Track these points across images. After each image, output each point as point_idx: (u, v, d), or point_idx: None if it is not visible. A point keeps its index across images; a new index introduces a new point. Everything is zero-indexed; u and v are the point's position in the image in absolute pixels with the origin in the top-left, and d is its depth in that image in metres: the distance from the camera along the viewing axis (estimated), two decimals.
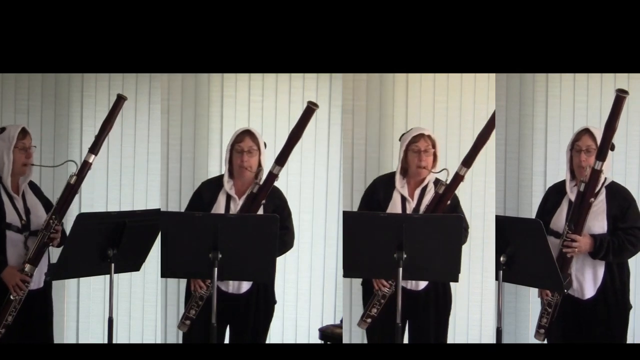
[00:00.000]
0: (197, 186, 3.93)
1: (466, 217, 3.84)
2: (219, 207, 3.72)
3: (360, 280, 3.96)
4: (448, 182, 3.71)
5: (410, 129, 3.90)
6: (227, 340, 3.82)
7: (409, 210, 3.76)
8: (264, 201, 3.69)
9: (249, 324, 3.74)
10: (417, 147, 3.75)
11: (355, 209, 4.51)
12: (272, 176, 3.68)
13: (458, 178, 3.72)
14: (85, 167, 3.65)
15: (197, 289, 3.64)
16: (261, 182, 3.68)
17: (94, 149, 3.67)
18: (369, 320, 3.74)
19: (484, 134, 3.75)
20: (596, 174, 3.44)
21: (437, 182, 3.74)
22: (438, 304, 3.81)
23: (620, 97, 3.32)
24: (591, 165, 3.46)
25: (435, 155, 3.78)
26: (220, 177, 3.81)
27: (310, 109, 3.65)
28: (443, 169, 3.73)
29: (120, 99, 3.69)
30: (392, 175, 3.86)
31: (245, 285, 3.72)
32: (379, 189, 3.85)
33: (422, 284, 3.76)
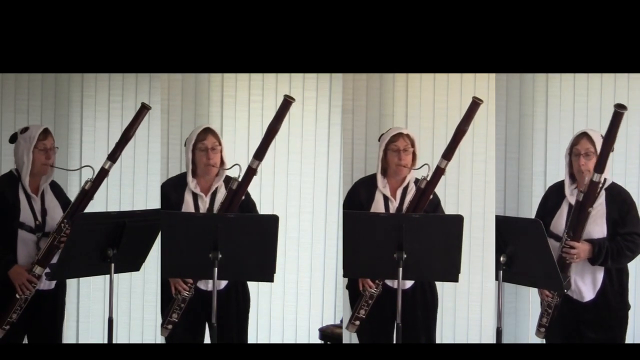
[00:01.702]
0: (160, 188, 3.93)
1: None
2: (188, 206, 3.71)
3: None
4: (429, 177, 3.72)
5: (388, 129, 3.90)
6: (206, 338, 3.80)
7: (392, 210, 3.77)
8: (243, 197, 3.70)
9: (229, 322, 3.73)
10: (396, 146, 3.77)
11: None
12: (252, 171, 3.67)
13: (439, 171, 3.73)
14: (102, 174, 3.66)
15: (181, 291, 3.64)
16: (240, 178, 3.68)
17: (113, 156, 3.68)
18: (357, 322, 3.74)
19: (462, 125, 3.75)
20: (594, 185, 3.44)
21: (417, 180, 3.77)
22: (425, 301, 3.81)
23: (619, 112, 3.31)
24: (589, 172, 3.47)
25: (414, 154, 3.80)
26: (181, 176, 3.80)
27: (287, 102, 3.66)
28: (424, 165, 3.75)
29: (143, 108, 3.70)
30: (373, 176, 3.87)
31: (222, 283, 3.72)
32: (361, 191, 3.86)
33: (408, 283, 3.76)
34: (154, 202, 4.65)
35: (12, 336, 3.53)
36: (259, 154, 3.68)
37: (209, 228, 3.29)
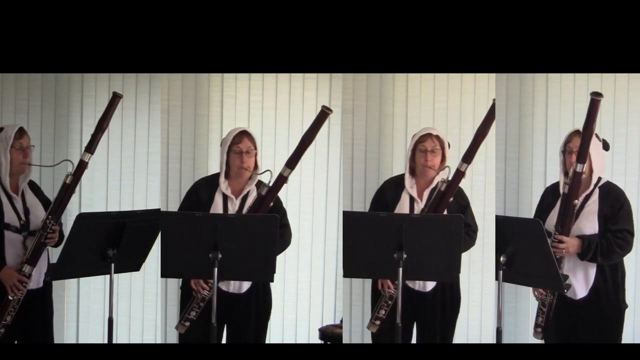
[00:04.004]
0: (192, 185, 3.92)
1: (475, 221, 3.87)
2: (217, 207, 3.72)
3: (362, 280, 3.95)
4: (449, 179, 3.72)
5: (421, 128, 3.89)
6: (224, 340, 3.81)
7: (417, 211, 3.76)
8: (272, 204, 3.69)
9: (249, 324, 3.74)
10: (424, 147, 3.76)
11: (355, 209, 4.52)
12: (282, 179, 3.67)
13: (459, 174, 3.73)
14: (81, 166, 3.64)
15: (200, 290, 3.64)
16: (270, 184, 3.67)
17: (90, 147, 3.65)
18: (377, 322, 3.73)
19: (483, 128, 3.75)
20: (577, 176, 3.45)
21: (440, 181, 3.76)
22: (445, 305, 3.81)
23: (595, 100, 3.35)
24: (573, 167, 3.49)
25: (444, 156, 3.79)
26: (215, 176, 3.80)
27: (324, 114, 3.64)
28: (445, 166, 3.75)
29: (115, 97, 3.67)
30: (402, 176, 3.86)
31: (246, 285, 3.72)
32: (388, 190, 3.86)
33: (430, 285, 3.76)
34: (154, 202, 4.66)
35: (4, 338, 3.51)
36: (291, 163, 3.67)
37: (209, 228, 3.29)
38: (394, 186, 3.86)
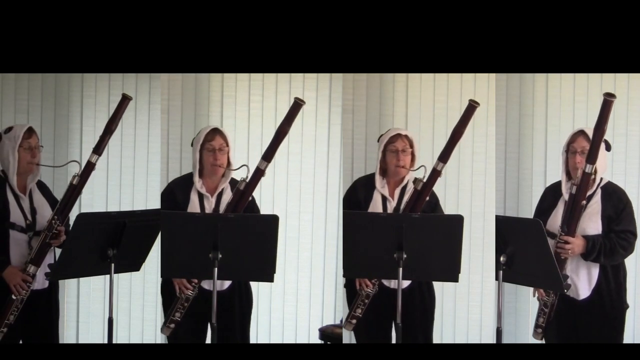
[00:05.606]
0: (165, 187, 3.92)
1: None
2: (194, 206, 3.72)
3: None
4: (425, 178, 3.72)
5: (387, 130, 3.90)
6: (208, 338, 3.80)
7: (389, 210, 3.78)
8: (250, 198, 3.70)
9: (233, 321, 3.74)
10: (395, 147, 3.78)
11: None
12: (260, 172, 3.68)
13: (435, 174, 3.73)
14: (88, 167, 3.65)
15: (183, 291, 3.64)
16: (247, 179, 3.68)
17: (98, 149, 3.66)
18: (353, 321, 3.75)
19: (458, 128, 3.75)
20: (587, 177, 3.45)
21: (415, 180, 3.77)
22: (423, 301, 3.82)
23: (608, 100, 3.33)
24: (582, 167, 3.48)
25: (413, 155, 3.81)
26: (189, 176, 3.79)
27: (297, 104, 3.66)
28: (420, 166, 3.75)
29: (125, 99, 3.68)
30: (371, 176, 3.88)
31: (227, 282, 3.73)
32: (359, 190, 3.87)
33: (406, 283, 3.75)
34: (154, 202, 4.65)
35: (9, 338, 3.52)
36: (268, 156, 3.68)
37: (209, 228, 3.29)
38: (364, 186, 3.87)
